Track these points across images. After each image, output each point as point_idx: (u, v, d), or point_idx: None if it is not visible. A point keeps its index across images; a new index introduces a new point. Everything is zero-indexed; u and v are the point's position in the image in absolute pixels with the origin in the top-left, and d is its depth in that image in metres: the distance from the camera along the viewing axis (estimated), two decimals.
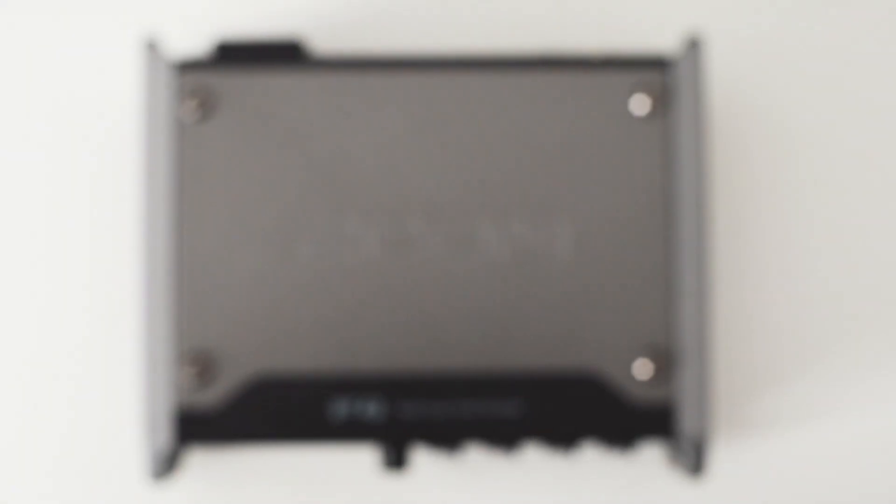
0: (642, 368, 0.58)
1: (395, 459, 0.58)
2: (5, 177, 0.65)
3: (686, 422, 0.58)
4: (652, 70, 0.59)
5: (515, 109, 0.58)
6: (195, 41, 0.64)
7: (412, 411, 0.57)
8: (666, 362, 0.58)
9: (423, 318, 0.58)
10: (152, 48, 0.58)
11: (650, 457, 0.65)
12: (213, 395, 0.57)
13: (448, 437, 0.58)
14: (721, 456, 0.65)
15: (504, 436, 0.58)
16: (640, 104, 0.58)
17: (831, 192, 0.66)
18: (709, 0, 0.67)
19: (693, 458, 0.58)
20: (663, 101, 0.58)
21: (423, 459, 0.64)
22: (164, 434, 0.57)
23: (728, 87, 0.66)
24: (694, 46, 0.59)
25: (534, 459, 0.64)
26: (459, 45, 0.64)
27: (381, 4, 0.66)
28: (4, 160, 0.65)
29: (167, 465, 0.58)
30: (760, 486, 0.66)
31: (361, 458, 0.64)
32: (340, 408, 0.57)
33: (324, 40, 0.64)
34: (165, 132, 0.58)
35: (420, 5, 0.66)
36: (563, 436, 0.58)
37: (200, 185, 0.58)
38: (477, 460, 0.65)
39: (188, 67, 0.58)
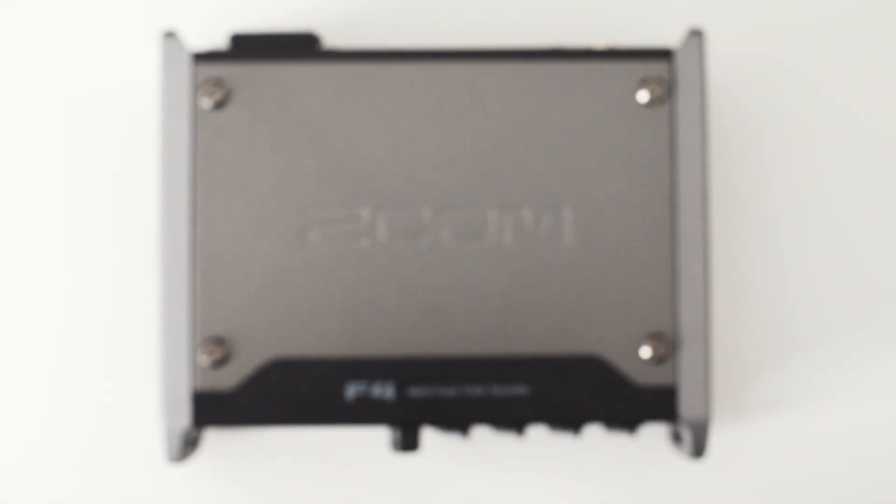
0: (646, 354, 0.58)
1: (407, 442, 0.59)
2: (29, 164, 0.66)
3: (687, 406, 0.58)
4: (658, 61, 0.59)
5: (524, 99, 0.59)
6: (212, 39, 0.65)
7: (423, 395, 0.58)
8: (669, 348, 0.58)
9: (433, 305, 0.58)
10: (171, 40, 0.59)
11: (653, 438, 0.65)
12: (230, 381, 0.58)
13: (458, 419, 0.58)
14: (720, 437, 0.66)
15: (512, 418, 0.58)
16: (646, 94, 0.59)
17: (826, 183, 0.67)
18: (710, 3, 0.67)
19: (694, 441, 0.59)
20: (669, 91, 0.59)
21: (435, 440, 0.65)
22: (184, 419, 0.58)
23: (726, 83, 0.66)
24: (696, 37, 0.59)
25: (541, 440, 0.65)
26: (467, 44, 0.64)
27: (389, 5, 0.66)
28: (29, 147, 0.66)
29: (186, 447, 0.59)
30: (756, 465, 0.66)
31: (374, 436, 0.65)
32: (353, 391, 0.58)
33: (334, 40, 0.65)
34: (183, 121, 0.58)
35: (427, 5, 0.66)
36: (569, 419, 0.59)
37: (216, 174, 0.58)
38: (486, 441, 0.65)
39: (204, 58, 0.59)
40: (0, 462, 0.65)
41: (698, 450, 0.59)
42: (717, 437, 0.65)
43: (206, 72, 0.58)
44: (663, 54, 0.59)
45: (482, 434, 0.64)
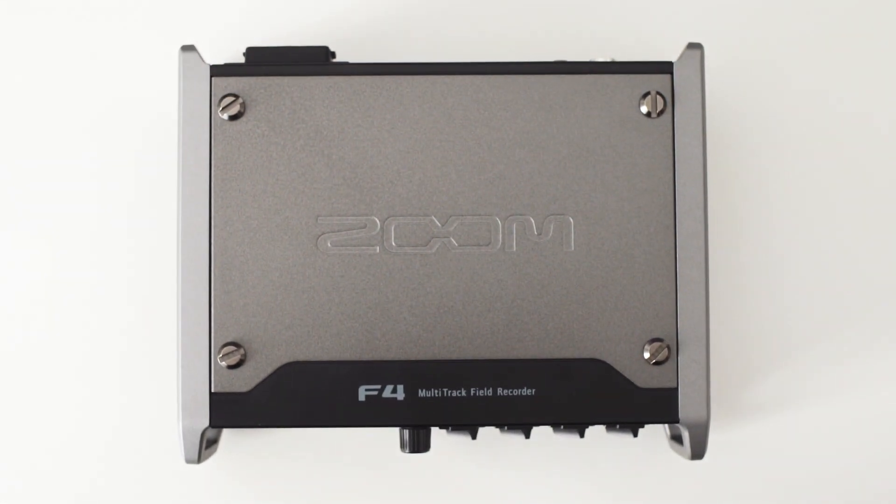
0: (647, 358, 0.59)
1: (417, 443, 0.59)
2: (51, 172, 0.67)
3: (687, 408, 0.59)
4: (660, 73, 0.60)
5: (530, 110, 0.60)
6: (230, 54, 0.66)
7: (432, 397, 0.59)
8: (669, 352, 0.59)
9: (442, 310, 0.59)
10: (189, 54, 0.60)
11: (653, 440, 0.66)
12: (247, 383, 0.58)
13: (466, 421, 0.59)
14: (718, 438, 0.66)
15: (518, 420, 0.59)
16: (649, 105, 0.59)
17: (821, 188, 0.67)
18: (707, 20, 0.68)
19: (693, 443, 0.59)
20: (671, 102, 0.60)
21: (443, 441, 0.65)
22: (202, 420, 0.58)
23: (723, 94, 0.67)
24: (694, 49, 0.60)
25: (546, 441, 0.65)
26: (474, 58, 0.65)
27: (399, 22, 0.67)
28: (51, 156, 0.67)
29: (204, 448, 0.59)
30: (755, 466, 0.67)
31: (385, 437, 0.65)
32: (365, 394, 0.58)
33: (346, 55, 0.65)
34: (201, 131, 0.59)
35: (435, 23, 0.67)
36: (573, 420, 0.59)
37: (233, 183, 0.59)
38: (492, 441, 0.66)
39: (221, 71, 0.60)
40: (22, 460, 0.66)
41: (698, 451, 0.60)
42: (715, 439, 0.66)
43: (223, 84, 0.60)
44: (665, 67, 0.60)
45: (489, 435, 0.65)
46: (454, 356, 0.59)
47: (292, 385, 0.59)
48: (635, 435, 0.61)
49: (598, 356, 0.59)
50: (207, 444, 0.61)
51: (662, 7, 0.68)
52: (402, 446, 0.60)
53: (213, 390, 0.59)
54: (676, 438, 0.63)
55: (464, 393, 0.59)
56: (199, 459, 0.59)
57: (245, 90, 0.60)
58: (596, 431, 0.64)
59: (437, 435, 0.64)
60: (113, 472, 0.66)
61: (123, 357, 0.66)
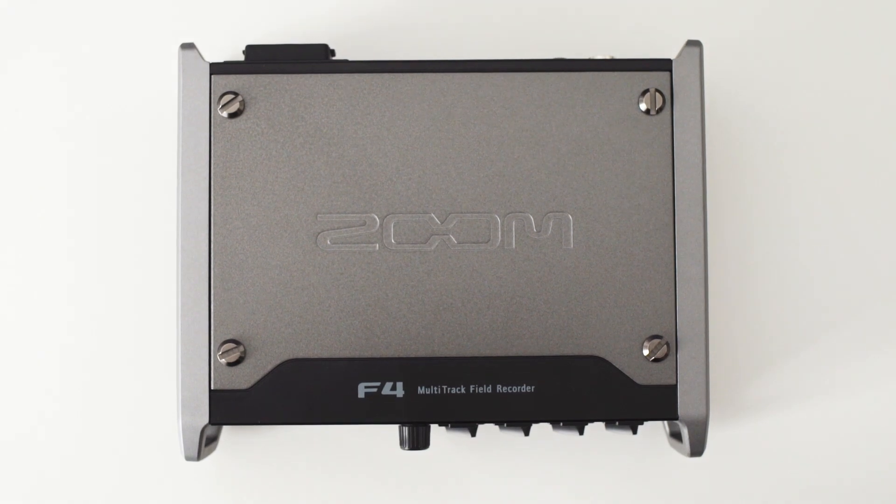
0: (646, 355, 0.59)
1: (417, 440, 0.60)
2: (55, 172, 0.67)
3: (686, 405, 0.59)
4: (659, 70, 0.60)
5: (529, 108, 0.60)
6: (231, 51, 0.66)
7: (432, 394, 0.59)
8: (668, 349, 0.59)
9: (441, 307, 0.59)
10: (189, 51, 0.60)
11: (652, 436, 0.66)
12: (246, 380, 0.59)
13: (466, 418, 0.59)
14: (718, 435, 0.66)
15: (517, 417, 0.59)
16: (648, 102, 0.60)
17: (821, 187, 0.67)
18: (706, 18, 0.68)
19: (692, 440, 0.60)
20: (670, 100, 0.60)
21: (442, 438, 0.66)
22: (202, 417, 0.59)
23: (721, 91, 0.67)
24: (693, 47, 0.60)
25: (545, 438, 0.66)
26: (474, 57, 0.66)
27: (399, 21, 0.67)
28: (57, 155, 0.67)
29: (203, 445, 0.59)
30: (754, 463, 0.67)
31: (384, 434, 0.66)
32: (364, 391, 0.59)
33: (345, 53, 0.66)
34: (201, 129, 0.59)
35: (434, 22, 0.67)
36: (572, 417, 0.59)
37: (233, 181, 0.59)
38: (492, 438, 0.66)
39: (221, 69, 0.60)
40: (22, 458, 0.66)
41: (697, 448, 0.60)
42: (714, 436, 0.66)
43: (223, 82, 0.60)
44: (664, 64, 0.60)
45: (488, 432, 0.65)
46: (453, 353, 0.59)
47: (292, 382, 0.59)
48: (634, 432, 0.62)
49: (597, 353, 0.59)
50: (207, 441, 0.61)
51: (661, 5, 0.68)
52: (402, 443, 0.60)
53: (212, 387, 0.59)
54: (675, 435, 0.63)
55: (463, 390, 0.59)
56: (199, 456, 0.59)
57: (244, 88, 0.60)
58: (595, 428, 0.64)
59: (437, 432, 0.64)
60: (112, 469, 0.66)
61: (123, 354, 0.66)
